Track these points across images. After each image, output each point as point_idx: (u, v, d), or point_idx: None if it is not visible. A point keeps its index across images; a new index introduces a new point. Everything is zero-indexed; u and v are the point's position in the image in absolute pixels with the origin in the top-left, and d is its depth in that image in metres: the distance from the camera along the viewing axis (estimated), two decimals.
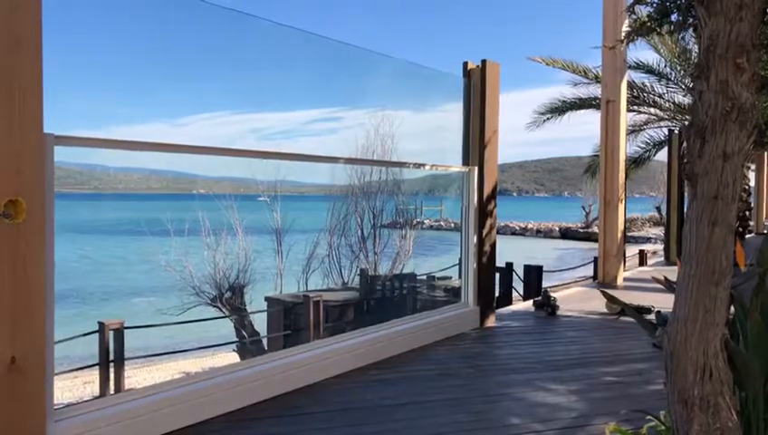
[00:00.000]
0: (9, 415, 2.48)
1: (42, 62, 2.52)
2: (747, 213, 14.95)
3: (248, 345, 8.62)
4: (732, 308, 2.26)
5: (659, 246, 20.10)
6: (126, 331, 7.04)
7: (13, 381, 2.47)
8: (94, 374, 7.19)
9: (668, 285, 2.62)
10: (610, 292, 3.46)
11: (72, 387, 7.85)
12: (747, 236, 14.74)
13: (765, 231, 18.09)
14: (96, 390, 7.20)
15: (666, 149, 13.62)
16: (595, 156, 14.62)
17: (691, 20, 3.85)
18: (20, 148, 2.46)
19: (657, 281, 2.87)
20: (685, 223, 2.02)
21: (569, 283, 10.45)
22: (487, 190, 5.91)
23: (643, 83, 13.44)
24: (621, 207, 9.20)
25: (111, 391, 6.60)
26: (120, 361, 6.69)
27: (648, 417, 2.50)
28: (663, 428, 2.37)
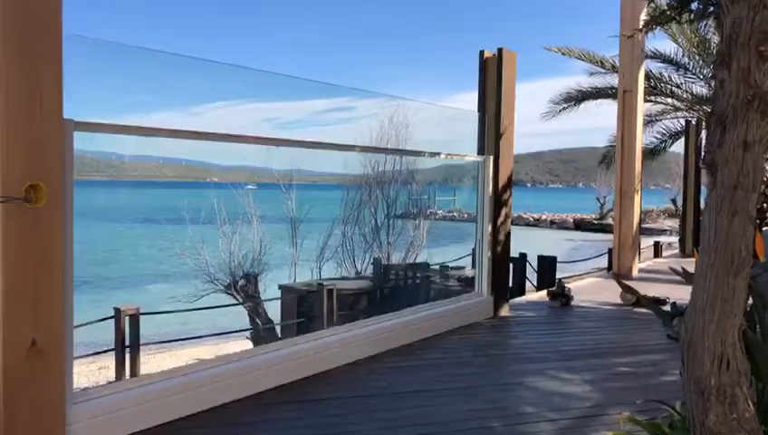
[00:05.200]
0: (29, 397, 2.52)
1: (62, 48, 2.53)
2: (765, 205, 14.76)
3: (262, 333, 8.65)
4: (750, 299, 2.25)
5: (674, 238, 19.93)
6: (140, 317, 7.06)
7: (33, 363, 2.50)
8: (109, 360, 7.25)
9: (687, 277, 2.61)
10: (625, 283, 3.44)
11: (88, 372, 7.94)
12: (765, 228, 14.57)
13: None
14: (111, 375, 7.26)
15: (682, 139, 13.48)
16: (611, 146, 14.51)
17: (711, 9, 3.81)
18: (40, 133, 2.48)
19: (676, 272, 2.86)
20: (703, 212, 2.00)
21: (583, 274, 10.38)
22: (502, 180, 5.89)
23: (660, 73, 13.30)
24: (637, 198, 9.13)
25: (127, 377, 6.66)
26: (135, 346, 6.73)
27: (664, 407, 2.50)
28: (678, 418, 2.37)
